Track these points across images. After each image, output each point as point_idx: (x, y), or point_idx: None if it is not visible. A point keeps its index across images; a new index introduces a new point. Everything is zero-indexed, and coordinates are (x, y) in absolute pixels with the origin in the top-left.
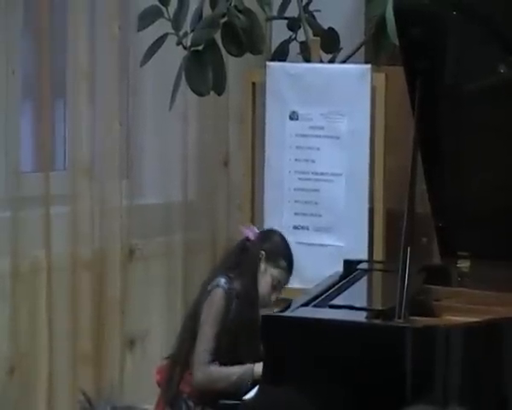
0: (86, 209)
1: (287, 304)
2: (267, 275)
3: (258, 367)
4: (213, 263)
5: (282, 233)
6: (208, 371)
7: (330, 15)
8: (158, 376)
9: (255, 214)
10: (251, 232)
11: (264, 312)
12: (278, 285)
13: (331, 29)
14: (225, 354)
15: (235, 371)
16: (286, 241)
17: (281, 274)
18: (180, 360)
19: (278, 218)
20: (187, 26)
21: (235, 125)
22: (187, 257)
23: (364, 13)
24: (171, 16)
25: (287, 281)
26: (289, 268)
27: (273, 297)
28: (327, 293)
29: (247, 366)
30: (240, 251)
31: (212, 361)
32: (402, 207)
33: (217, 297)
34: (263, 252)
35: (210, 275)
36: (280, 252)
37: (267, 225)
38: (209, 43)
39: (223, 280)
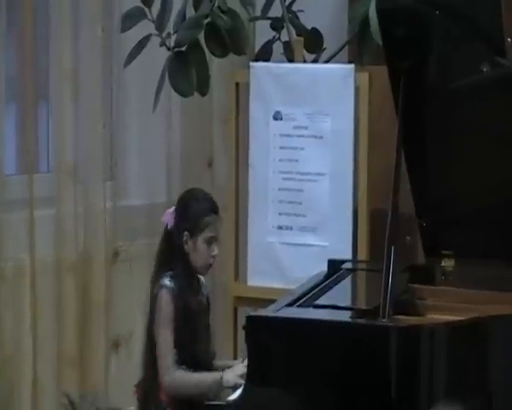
0: (70, 211)
1: (271, 304)
2: (199, 245)
3: (227, 375)
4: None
5: (194, 189)
6: (174, 376)
7: (314, 15)
8: (136, 393)
9: (239, 215)
10: (167, 216)
11: (249, 313)
12: (213, 239)
13: (314, 29)
14: (187, 352)
15: (203, 379)
16: (199, 197)
17: (210, 230)
18: (152, 370)
19: (262, 218)
20: (170, 27)
21: (219, 125)
22: None
23: (348, 13)
24: (155, 17)
25: (217, 226)
26: (213, 214)
27: (215, 252)
28: (311, 293)
29: (215, 375)
30: (166, 242)
31: (179, 364)
32: (386, 207)
33: (163, 299)
34: (185, 233)
35: (152, 278)
36: (199, 215)
37: (251, 226)
38: (192, 43)
39: (166, 279)
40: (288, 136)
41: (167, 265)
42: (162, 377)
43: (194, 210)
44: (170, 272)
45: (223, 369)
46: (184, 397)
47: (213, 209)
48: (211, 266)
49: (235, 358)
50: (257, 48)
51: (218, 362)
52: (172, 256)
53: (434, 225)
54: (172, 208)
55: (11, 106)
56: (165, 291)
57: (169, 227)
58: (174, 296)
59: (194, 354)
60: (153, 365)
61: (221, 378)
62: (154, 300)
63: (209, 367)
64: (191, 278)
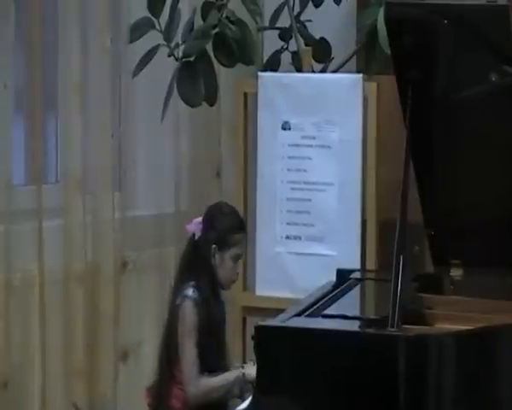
0: (79, 222)
1: (279, 314)
2: (226, 261)
3: (248, 369)
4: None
5: (223, 203)
6: (200, 384)
7: (322, 25)
8: (148, 398)
9: (248, 225)
10: (194, 226)
11: (257, 323)
12: (239, 256)
13: (323, 39)
14: (208, 362)
15: (226, 378)
16: (229, 212)
17: (238, 248)
18: (165, 377)
19: (271, 228)
20: (178, 38)
21: (227, 135)
22: None
23: (356, 22)
24: (163, 28)
25: (244, 244)
26: (242, 232)
27: (238, 269)
28: (320, 303)
29: (237, 371)
30: (192, 252)
31: (202, 372)
32: (394, 216)
33: (187, 310)
34: (213, 246)
35: (174, 287)
36: (228, 231)
37: (259, 236)
38: (201, 54)
39: (190, 290)
40: (297, 146)
41: (190, 274)
42: (187, 387)
43: (225, 225)
44: (193, 282)
45: (242, 367)
46: (210, 402)
47: (242, 227)
48: (234, 282)
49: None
50: (265, 58)
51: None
52: (197, 266)
53: (443, 234)
54: (200, 218)
55: (19, 116)
56: (189, 302)
57: (196, 237)
58: (198, 307)
59: (215, 363)
60: (167, 373)
61: (243, 374)
62: (175, 310)
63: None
64: (215, 290)
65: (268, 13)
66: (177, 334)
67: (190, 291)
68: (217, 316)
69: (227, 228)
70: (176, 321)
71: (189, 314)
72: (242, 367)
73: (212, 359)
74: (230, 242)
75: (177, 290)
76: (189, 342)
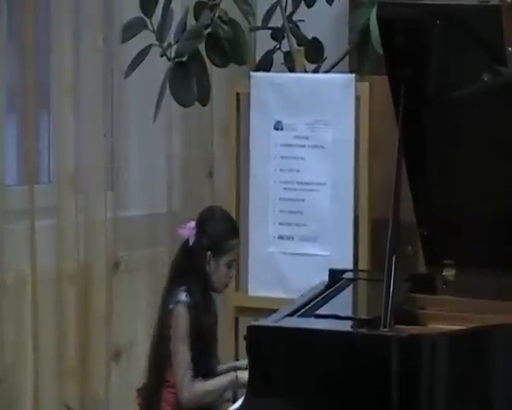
0: (71, 222)
1: (272, 314)
2: (221, 267)
3: (242, 374)
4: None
5: (216, 208)
6: (194, 389)
7: (314, 25)
8: (138, 398)
9: (240, 225)
10: (188, 230)
11: (250, 323)
12: (234, 262)
13: (315, 39)
14: (198, 365)
15: (220, 382)
16: (223, 218)
17: (233, 254)
18: (155, 380)
19: (263, 228)
20: (171, 38)
21: (220, 135)
22: None
23: (348, 22)
24: (155, 28)
25: (238, 249)
26: (237, 238)
27: (231, 273)
28: (312, 303)
29: (231, 375)
30: (185, 257)
31: (195, 377)
32: (387, 216)
33: (180, 315)
34: (208, 253)
35: (166, 291)
36: (224, 238)
37: (252, 236)
38: (193, 54)
39: (183, 295)
40: (289, 146)
41: (182, 279)
42: (180, 392)
43: (219, 231)
44: (185, 287)
45: (234, 369)
46: (203, 406)
47: (237, 232)
48: (227, 285)
49: None
50: (257, 58)
51: (222, 366)
52: (189, 271)
53: (435, 234)
54: (193, 223)
55: (12, 116)
56: (182, 307)
57: (190, 243)
58: (191, 311)
59: (207, 366)
60: (157, 377)
61: (237, 378)
62: (168, 315)
63: (214, 373)
64: (207, 294)
65: (260, 13)
66: (170, 339)
67: (183, 296)
68: (209, 319)
69: (221, 235)
70: (168, 326)
71: (182, 319)
72: (235, 371)
73: (205, 362)
74: (225, 248)
75: (169, 295)
76: (182, 347)
